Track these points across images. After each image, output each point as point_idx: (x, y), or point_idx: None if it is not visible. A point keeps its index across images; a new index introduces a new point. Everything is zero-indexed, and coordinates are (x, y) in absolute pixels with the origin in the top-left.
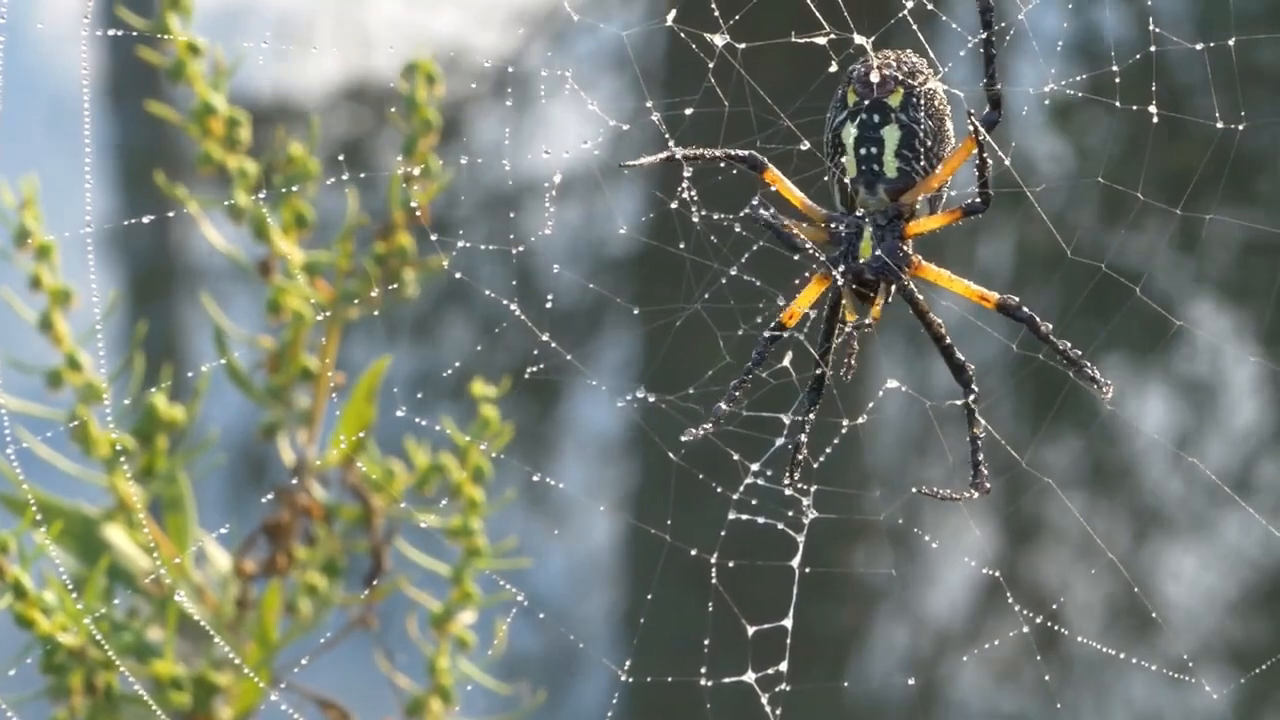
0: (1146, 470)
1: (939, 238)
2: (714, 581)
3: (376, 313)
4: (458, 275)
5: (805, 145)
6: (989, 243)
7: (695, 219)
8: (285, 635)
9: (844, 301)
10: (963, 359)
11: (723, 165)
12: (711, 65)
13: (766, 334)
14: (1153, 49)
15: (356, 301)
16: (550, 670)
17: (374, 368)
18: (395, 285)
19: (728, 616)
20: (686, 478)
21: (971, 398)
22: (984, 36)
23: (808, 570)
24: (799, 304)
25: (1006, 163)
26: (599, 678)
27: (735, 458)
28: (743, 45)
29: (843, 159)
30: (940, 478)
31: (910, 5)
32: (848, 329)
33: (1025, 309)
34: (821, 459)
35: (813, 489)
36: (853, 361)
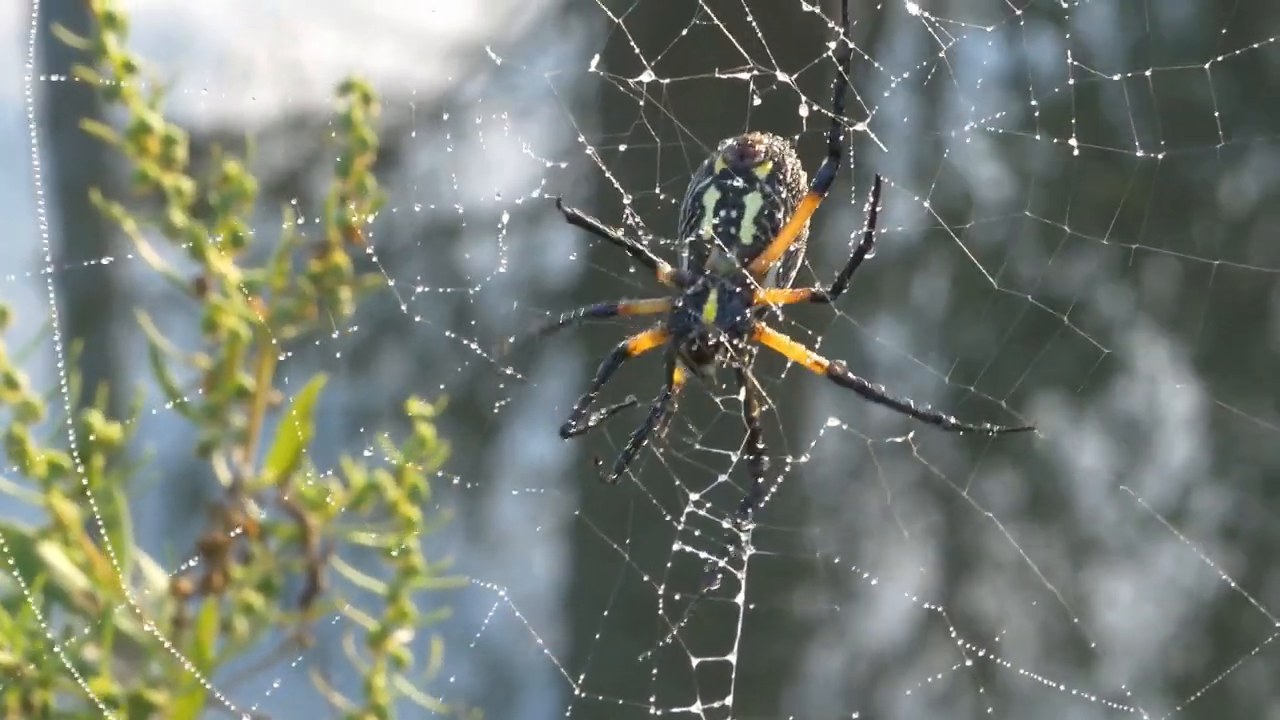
0: (1083, 501)
1: (871, 276)
2: (660, 612)
3: (303, 324)
4: (417, 319)
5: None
6: (922, 279)
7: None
8: (221, 654)
9: (676, 361)
10: (763, 447)
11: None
12: (642, 103)
13: (615, 353)
14: (1071, 82)
15: (291, 315)
16: (489, 697)
17: (309, 387)
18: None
19: (670, 650)
20: (640, 507)
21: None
22: (837, 83)
23: (752, 606)
24: (642, 343)
25: (926, 205)
26: (539, 705)
27: (677, 483)
28: (667, 80)
29: (701, 221)
30: (879, 512)
31: (833, 45)
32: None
33: (851, 375)
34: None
35: (751, 527)
36: (672, 411)
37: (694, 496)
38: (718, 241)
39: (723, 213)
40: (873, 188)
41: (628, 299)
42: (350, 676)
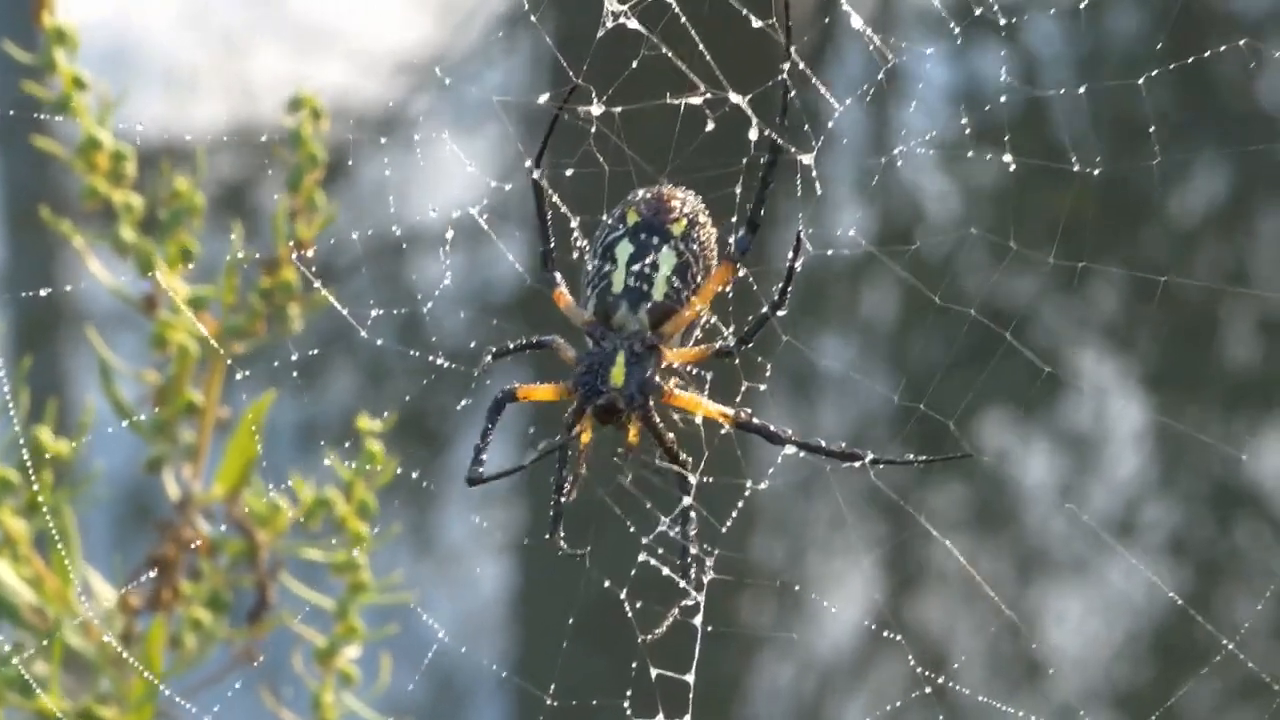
0: (1032, 518)
1: (818, 295)
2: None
3: (253, 339)
4: (379, 342)
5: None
6: (869, 300)
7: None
8: (170, 670)
9: (583, 423)
10: (691, 478)
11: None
12: (593, 130)
13: (500, 397)
14: (1004, 99)
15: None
16: (439, 711)
17: (259, 403)
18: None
19: (630, 664)
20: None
21: (688, 501)
22: (767, 161)
23: (709, 629)
24: (536, 393)
25: (858, 233)
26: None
27: (649, 505)
28: (619, 109)
29: (611, 274)
30: (838, 539)
31: (787, 68)
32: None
33: (756, 420)
34: (728, 522)
35: (715, 552)
36: (581, 473)
37: (666, 515)
38: (625, 299)
39: (635, 267)
40: (793, 247)
41: (563, 339)
42: (299, 692)
